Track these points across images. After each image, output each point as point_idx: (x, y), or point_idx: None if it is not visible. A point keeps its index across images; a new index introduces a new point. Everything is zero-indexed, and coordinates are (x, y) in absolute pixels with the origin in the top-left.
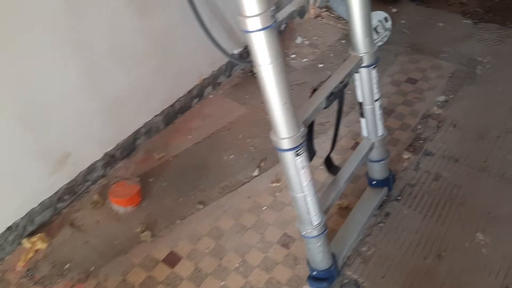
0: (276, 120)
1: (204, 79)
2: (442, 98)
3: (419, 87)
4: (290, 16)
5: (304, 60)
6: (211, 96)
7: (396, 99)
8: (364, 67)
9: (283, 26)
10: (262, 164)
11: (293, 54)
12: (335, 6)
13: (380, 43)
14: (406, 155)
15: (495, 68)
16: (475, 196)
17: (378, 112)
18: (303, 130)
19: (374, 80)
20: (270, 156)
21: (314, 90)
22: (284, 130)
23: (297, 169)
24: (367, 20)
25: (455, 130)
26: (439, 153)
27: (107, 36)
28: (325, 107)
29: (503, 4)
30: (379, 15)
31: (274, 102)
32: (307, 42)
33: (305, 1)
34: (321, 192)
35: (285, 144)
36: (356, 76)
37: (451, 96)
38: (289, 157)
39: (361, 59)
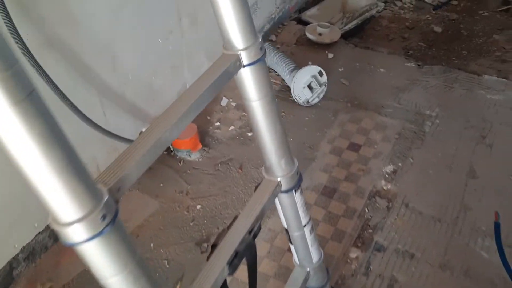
0: None
1: None
2: (390, 168)
3: (363, 155)
4: None
5: (231, 128)
6: None
7: (338, 174)
8: (284, 192)
9: None
10: (178, 287)
11: (217, 121)
12: None
13: (316, 100)
14: (353, 253)
15: (445, 123)
16: None
17: (309, 237)
18: None
19: (300, 204)
20: (188, 273)
21: (213, 247)
22: None
23: None
24: (280, 134)
25: (408, 211)
26: (392, 246)
27: None
28: (230, 274)
29: (446, 35)
30: (312, 70)
31: None
32: (233, 104)
33: None
34: None
35: None
36: (276, 200)
37: (399, 164)
38: None
39: (278, 184)
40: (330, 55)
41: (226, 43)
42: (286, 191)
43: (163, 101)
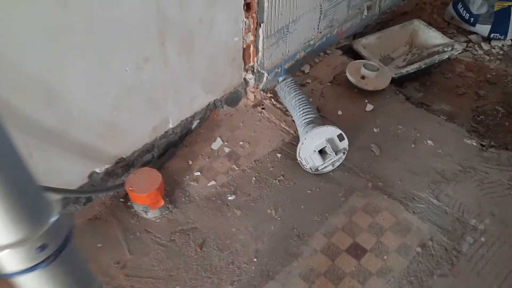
0: None
1: None
2: None
3: (364, 268)
4: (212, 107)
5: (211, 183)
6: None
7: None
8: None
9: (195, 123)
10: None
11: (198, 170)
12: (282, 95)
13: (329, 168)
14: None
15: (493, 246)
16: None
17: None
18: None
19: None
20: None
21: None
22: None
23: None
24: None
25: None
26: None
27: None
28: None
29: None
30: (329, 132)
31: None
32: (227, 150)
33: (242, 83)
34: None
35: None
36: None
37: None
38: None
39: None
40: (369, 107)
41: None
42: None
43: (129, 137)
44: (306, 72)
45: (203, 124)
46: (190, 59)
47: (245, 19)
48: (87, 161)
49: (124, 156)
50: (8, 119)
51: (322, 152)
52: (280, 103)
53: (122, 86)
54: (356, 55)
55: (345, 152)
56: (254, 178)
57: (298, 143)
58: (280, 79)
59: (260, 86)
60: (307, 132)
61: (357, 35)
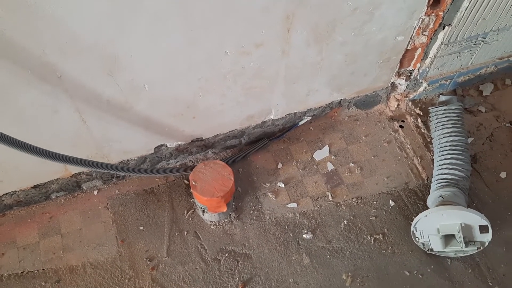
0: None
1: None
2: None
3: None
4: (334, 105)
5: (291, 205)
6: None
7: None
8: None
9: (305, 119)
10: None
11: (283, 181)
12: (434, 121)
13: (449, 255)
14: None
15: None
16: None
17: None
18: None
19: None
20: None
21: None
22: None
23: None
24: None
25: None
26: None
27: None
28: None
29: None
30: (470, 218)
31: None
32: (330, 167)
33: (387, 87)
34: None
35: None
36: None
37: None
38: None
39: None
40: None
41: None
42: None
43: (213, 121)
44: (484, 94)
45: (316, 120)
46: (322, 52)
47: (424, 17)
48: (155, 135)
49: (203, 137)
50: (51, 82)
51: (447, 236)
52: (428, 128)
53: (215, 69)
54: None
55: (481, 248)
56: (345, 222)
57: (424, 198)
58: (442, 97)
59: (411, 96)
60: (437, 204)
61: None
